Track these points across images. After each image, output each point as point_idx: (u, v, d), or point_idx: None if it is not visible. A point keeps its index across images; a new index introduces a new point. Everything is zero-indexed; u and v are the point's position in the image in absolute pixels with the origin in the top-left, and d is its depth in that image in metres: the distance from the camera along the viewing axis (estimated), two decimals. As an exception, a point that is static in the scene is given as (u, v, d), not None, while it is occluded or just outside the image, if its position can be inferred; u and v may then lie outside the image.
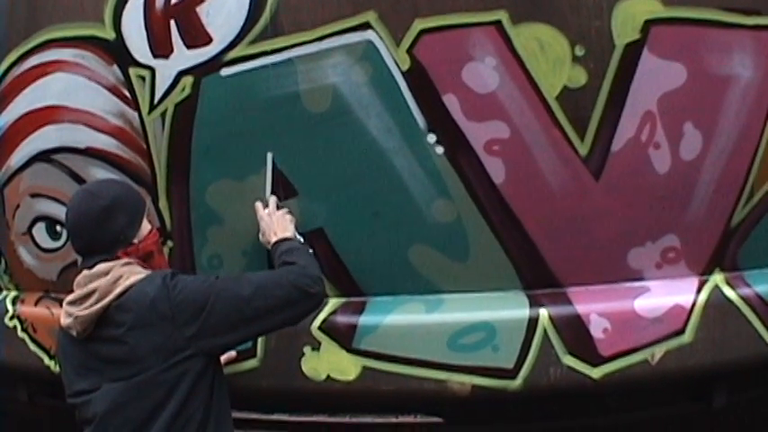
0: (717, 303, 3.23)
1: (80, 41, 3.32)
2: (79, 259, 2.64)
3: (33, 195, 3.52)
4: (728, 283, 3.27)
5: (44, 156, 3.44)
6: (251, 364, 3.16)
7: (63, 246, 3.50)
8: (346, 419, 3.31)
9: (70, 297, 2.57)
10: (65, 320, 2.57)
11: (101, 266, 2.54)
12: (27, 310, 3.66)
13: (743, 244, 3.30)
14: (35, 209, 3.53)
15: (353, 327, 3.11)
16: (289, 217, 3.00)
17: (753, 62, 3.18)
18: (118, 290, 2.49)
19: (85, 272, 2.57)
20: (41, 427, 4.14)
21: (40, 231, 3.55)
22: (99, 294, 2.49)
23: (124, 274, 2.52)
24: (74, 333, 2.53)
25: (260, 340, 3.15)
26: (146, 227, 2.67)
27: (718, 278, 3.27)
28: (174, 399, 2.46)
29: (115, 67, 3.26)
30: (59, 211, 3.48)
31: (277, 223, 2.95)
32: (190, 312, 2.47)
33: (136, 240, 2.61)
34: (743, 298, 3.26)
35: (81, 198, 2.60)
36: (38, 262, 3.61)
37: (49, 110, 3.41)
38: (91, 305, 2.50)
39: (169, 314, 2.46)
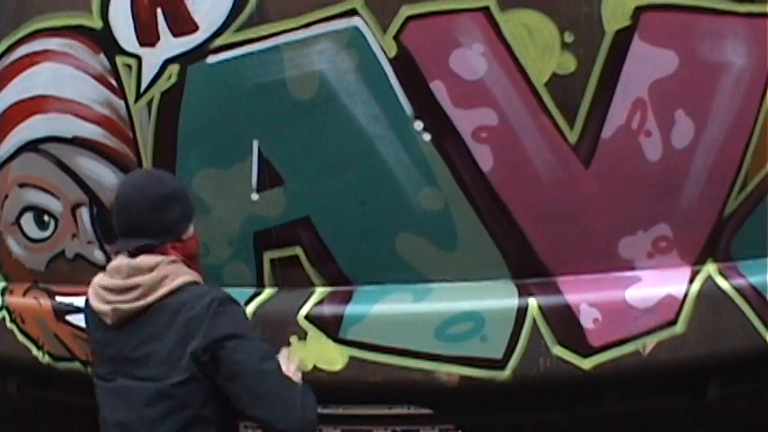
0: (710, 294, 3.19)
1: (67, 31, 3.31)
2: (118, 242, 2.50)
3: (21, 185, 3.51)
4: (721, 274, 3.23)
5: (32, 146, 3.43)
6: (237, 354, 3.13)
7: (51, 236, 3.49)
8: (339, 411, 3.30)
9: (107, 282, 2.46)
10: (99, 305, 2.46)
11: (146, 260, 2.42)
12: (15, 300, 3.65)
13: (736, 234, 3.26)
14: (23, 199, 3.52)
15: (340, 316, 3.09)
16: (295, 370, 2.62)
17: (745, 50, 3.14)
18: (163, 290, 2.39)
19: (128, 260, 2.44)
20: (34, 420, 4.13)
21: (28, 221, 3.54)
22: (143, 290, 2.40)
23: (170, 273, 2.41)
24: (107, 321, 2.43)
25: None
26: (191, 229, 2.56)
27: (710, 268, 3.23)
28: (181, 415, 2.34)
29: (102, 56, 3.24)
30: (47, 201, 3.47)
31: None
32: (225, 348, 2.32)
33: (184, 237, 2.51)
34: (736, 288, 3.22)
35: (144, 180, 2.52)
36: (26, 252, 3.59)
37: (37, 100, 3.40)
38: (134, 300, 2.40)
39: (198, 334, 2.32)
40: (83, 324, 3.39)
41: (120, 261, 2.45)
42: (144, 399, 2.35)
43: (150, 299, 2.39)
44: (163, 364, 2.34)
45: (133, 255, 2.44)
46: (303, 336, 3.11)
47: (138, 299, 2.39)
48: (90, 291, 2.52)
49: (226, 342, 2.31)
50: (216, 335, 2.31)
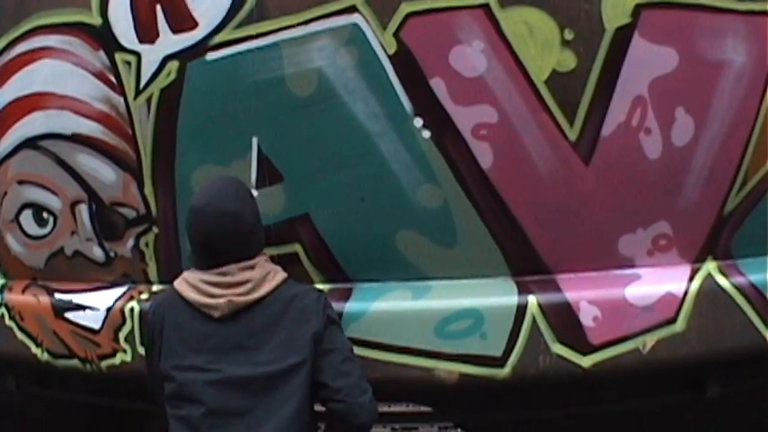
0: (709, 292, 3.19)
1: (67, 28, 3.31)
2: (215, 264, 2.72)
3: (20, 182, 3.51)
4: (722, 272, 3.23)
5: (31, 143, 3.42)
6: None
7: (50, 233, 3.49)
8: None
9: (215, 279, 2.69)
10: (204, 299, 2.68)
11: (248, 262, 2.72)
12: (14, 298, 3.64)
13: (736, 232, 3.25)
14: (22, 196, 3.51)
15: (339, 314, 3.07)
16: None
17: (745, 48, 3.14)
18: (271, 285, 2.70)
19: (234, 265, 2.71)
20: (33, 417, 4.12)
21: (27, 218, 3.54)
22: (254, 284, 2.68)
23: (271, 271, 2.75)
24: (214, 314, 2.66)
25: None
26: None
27: (710, 266, 3.22)
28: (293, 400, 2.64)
29: (101, 52, 3.24)
30: (46, 198, 3.47)
31: None
32: (328, 329, 2.72)
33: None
34: (736, 287, 3.22)
35: (223, 221, 2.68)
36: (25, 249, 3.59)
37: (36, 97, 3.40)
38: (247, 292, 2.67)
39: (313, 319, 2.69)
40: (82, 321, 3.43)
41: (223, 267, 2.70)
42: (263, 383, 2.60)
43: (263, 291, 2.69)
44: (280, 347, 2.63)
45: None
46: (302, 333, 3.10)
47: (250, 292, 2.67)
48: (182, 286, 2.73)
49: (331, 325, 2.71)
50: (328, 318, 2.71)
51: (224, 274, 2.70)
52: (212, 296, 2.68)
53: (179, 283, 2.76)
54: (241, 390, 2.62)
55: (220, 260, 2.70)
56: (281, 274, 2.76)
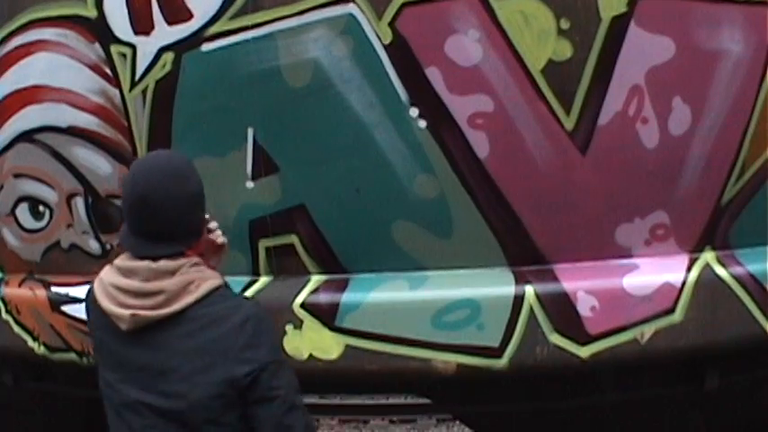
0: (708, 282, 3.18)
1: (62, 20, 3.30)
2: (136, 244, 2.15)
3: (16, 176, 3.50)
4: (720, 262, 3.21)
5: (27, 136, 3.42)
6: (232, 342, 3.11)
7: (46, 226, 3.48)
8: (336, 401, 3.29)
9: (122, 282, 2.15)
10: (113, 308, 2.15)
11: (167, 264, 2.12)
12: (11, 291, 3.63)
13: (734, 222, 3.24)
14: (18, 189, 3.50)
15: (336, 305, 3.08)
16: None
17: (742, 37, 3.13)
18: (189, 299, 2.11)
19: (146, 262, 2.13)
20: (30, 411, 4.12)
21: (23, 212, 3.53)
22: (167, 296, 2.11)
23: (195, 279, 2.13)
24: (122, 326, 2.13)
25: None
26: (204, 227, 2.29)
27: (708, 256, 3.21)
28: None
29: (97, 45, 3.23)
30: (42, 191, 3.46)
31: None
32: (263, 373, 2.08)
33: (202, 237, 2.24)
34: (735, 277, 3.20)
35: (168, 179, 2.13)
36: (21, 243, 3.58)
37: (32, 90, 3.39)
38: (157, 306, 2.11)
39: (228, 359, 2.07)
40: (78, 315, 3.41)
41: (137, 262, 2.15)
42: (176, 419, 2.10)
43: (175, 307, 2.11)
44: (186, 380, 2.08)
45: (155, 260, 2.14)
46: (299, 324, 3.10)
47: (161, 306, 2.11)
48: (97, 287, 2.21)
49: (269, 366, 2.08)
50: (260, 361, 2.07)
51: (133, 274, 2.13)
52: (119, 305, 2.14)
53: (97, 279, 2.24)
54: (142, 418, 2.13)
55: (152, 239, 2.13)
56: (207, 285, 2.14)
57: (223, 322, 2.09)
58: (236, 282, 3.12)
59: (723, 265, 3.21)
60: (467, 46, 2.97)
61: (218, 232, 2.33)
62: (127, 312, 2.12)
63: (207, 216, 2.28)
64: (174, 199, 2.12)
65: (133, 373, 2.14)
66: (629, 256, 3.14)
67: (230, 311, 2.11)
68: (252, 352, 2.07)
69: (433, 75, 2.97)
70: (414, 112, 3.00)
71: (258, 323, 2.12)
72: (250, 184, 3.08)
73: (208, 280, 2.16)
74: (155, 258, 2.13)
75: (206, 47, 3.06)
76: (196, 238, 2.20)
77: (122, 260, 2.19)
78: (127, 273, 2.15)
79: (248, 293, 3.15)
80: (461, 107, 2.98)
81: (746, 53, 3.13)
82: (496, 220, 3.06)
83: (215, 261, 2.30)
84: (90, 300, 2.25)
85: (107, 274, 2.21)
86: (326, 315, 3.09)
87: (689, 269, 3.17)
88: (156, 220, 2.12)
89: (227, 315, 2.10)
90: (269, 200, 3.09)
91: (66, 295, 3.45)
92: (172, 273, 2.13)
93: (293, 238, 3.13)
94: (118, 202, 3.30)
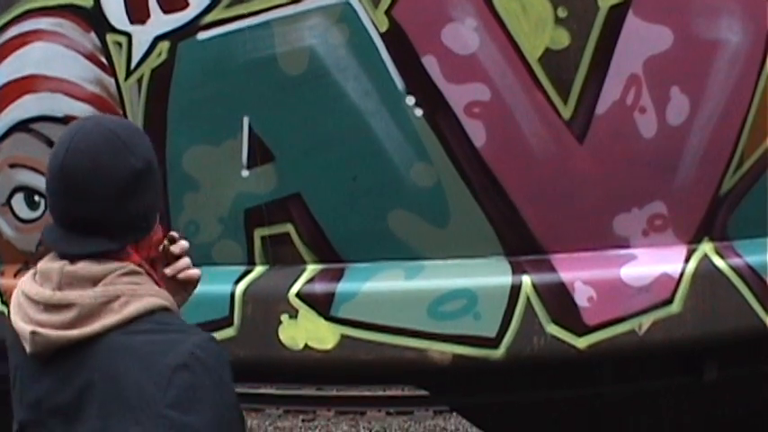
0: (706, 273, 3.15)
1: (58, 10, 3.29)
2: (57, 237, 1.59)
3: (12, 166, 3.48)
4: (718, 253, 3.19)
5: (23, 126, 3.40)
6: (227, 332, 3.10)
7: (41, 216, 3.47)
8: (333, 392, 3.27)
9: (33, 291, 1.58)
10: (19, 322, 1.57)
11: (89, 267, 1.54)
12: (6, 282, 3.61)
13: (733, 212, 3.22)
14: (14, 179, 3.49)
15: (331, 294, 3.06)
16: None
17: (741, 27, 3.11)
18: (110, 320, 1.52)
19: (62, 262, 1.56)
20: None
21: (18, 202, 3.52)
22: (80, 313, 1.52)
23: (123, 294, 1.54)
24: (26, 347, 1.55)
25: (236, 308, 3.10)
26: (156, 218, 1.69)
27: (707, 247, 3.19)
28: None
29: (92, 34, 3.22)
30: (38, 181, 3.45)
31: None
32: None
33: (152, 232, 1.65)
34: (733, 268, 3.18)
35: (101, 148, 1.55)
36: (17, 233, 3.57)
37: (28, 79, 3.38)
38: (65, 325, 1.52)
39: (150, 410, 1.47)
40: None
41: (52, 262, 1.58)
42: None
43: (88, 330, 1.51)
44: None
45: (73, 261, 1.55)
46: (294, 314, 3.09)
47: (71, 325, 1.51)
48: (13, 297, 1.66)
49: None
50: (187, 429, 1.45)
51: (46, 279, 1.56)
52: (25, 319, 1.56)
53: (14, 293, 1.67)
54: None
55: (64, 234, 1.57)
56: (139, 304, 1.54)
57: (152, 362, 1.48)
58: (232, 271, 3.12)
59: (721, 256, 3.19)
60: (464, 34, 2.95)
61: (187, 261, 1.74)
62: (28, 329, 1.53)
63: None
64: (106, 175, 1.54)
65: (46, 414, 1.54)
66: (627, 246, 3.12)
67: (164, 347, 1.49)
68: (179, 413, 1.44)
69: (430, 63, 2.95)
70: (410, 100, 2.98)
71: (201, 373, 1.47)
72: (245, 173, 3.06)
73: (142, 298, 1.55)
74: (75, 258, 1.55)
75: (202, 35, 3.05)
76: (140, 235, 1.60)
77: (45, 262, 1.61)
78: (42, 277, 1.58)
79: (243, 283, 3.13)
80: (458, 96, 2.97)
81: (745, 43, 3.11)
82: (493, 210, 3.04)
83: (180, 298, 1.72)
84: (7, 315, 1.65)
85: (24, 281, 1.64)
86: (322, 304, 3.07)
87: (687, 260, 3.15)
88: (82, 203, 1.55)
89: (158, 352, 1.48)
90: (264, 189, 3.07)
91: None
92: (92, 281, 1.54)
93: (289, 227, 3.11)
94: (113, 191, 3.29)
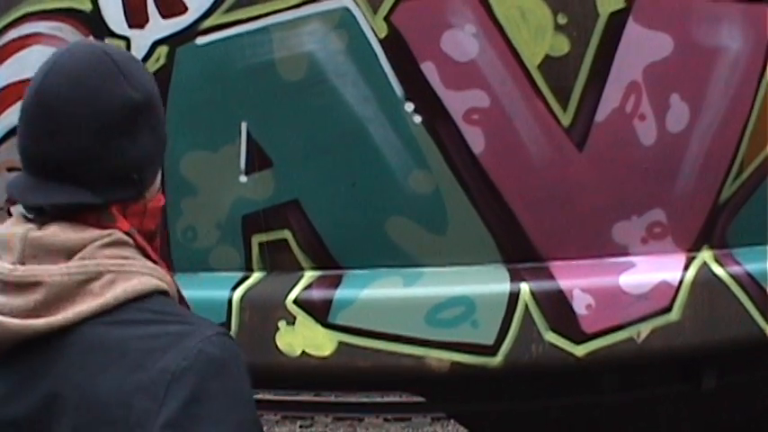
0: (705, 281, 3.15)
1: (57, 14, 3.28)
2: (21, 183, 1.24)
3: (10, 169, 3.48)
4: (717, 261, 3.19)
5: (20, 130, 3.40)
6: (225, 338, 3.09)
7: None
8: (331, 399, 3.26)
9: None
10: None
11: (64, 234, 1.17)
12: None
13: (732, 220, 3.21)
14: (11, 184, 3.48)
15: (329, 301, 3.05)
16: None
17: (742, 34, 3.10)
18: (87, 306, 1.14)
19: (27, 226, 1.19)
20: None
21: (16, 207, 3.51)
22: (46, 295, 1.14)
23: (106, 271, 1.16)
24: None
25: (234, 314, 3.09)
26: (158, 180, 1.33)
27: (706, 255, 3.18)
28: None
29: (91, 38, 3.21)
30: (35, 186, 3.44)
31: None
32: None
33: (147, 194, 1.27)
34: (732, 276, 3.17)
35: (88, 71, 1.20)
36: (14, 238, 3.56)
37: (26, 83, 3.34)
38: (29, 311, 1.14)
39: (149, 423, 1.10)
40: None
41: (15, 226, 1.20)
42: None
43: (59, 318, 1.14)
44: None
45: (44, 218, 1.19)
46: (292, 320, 3.07)
47: (35, 311, 1.14)
48: None
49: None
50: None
51: (5, 247, 1.18)
52: None
53: None
54: None
55: (33, 182, 1.21)
56: (129, 285, 1.17)
57: (144, 364, 1.10)
58: (229, 277, 3.10)
59: (721, 264, 3.18)
60: (463, 41, 2.95)
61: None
62: (10, 321, 1.14)
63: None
64: (92, 102, 1.18)
65: (4, 428, 1.17)
66: (626, 254, 3.11)
67: (162, 344, 1.11)
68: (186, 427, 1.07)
69: (429, 70, 2.95)
70: (409, 107, 2.98)
71: (212, 379, 1.10)
72: (243, 179, 3.05)
73: (132, 277, 1.17)
74: (44, 221, 1.18)
75: (200, 40, 3.04)
76: (130, 192, 1.22)
77: (5, 226, 1.24)
78: (1, 247, 1.19)
79: (241, 289, 3.11)
80: (457, 102, 2.96)
81: (745, 50, 3.10)
82: (492, 217, 3.03)
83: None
84: None
85: None
86: (320, 311, 3.06)
87: (686, 268, 3.14)
88: (58, 138, 1.18)
89: (153, 350, 1.11)
90: (262, 195, 3.06)
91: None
92: (66, 252, 1.16)
93: (287, 234, 3.10)
94: (111, 196, 3.28)
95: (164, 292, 1.21)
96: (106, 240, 1.19)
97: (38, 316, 1.14)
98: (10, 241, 1.17)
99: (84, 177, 1.20)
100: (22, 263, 1.16)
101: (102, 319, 1.14)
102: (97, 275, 1.16)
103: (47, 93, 1.22)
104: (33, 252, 1.16)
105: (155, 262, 1.23)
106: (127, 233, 1.22)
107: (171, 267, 3.16)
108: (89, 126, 1.19)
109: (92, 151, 1.19)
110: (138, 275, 1.18)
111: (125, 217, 1.23)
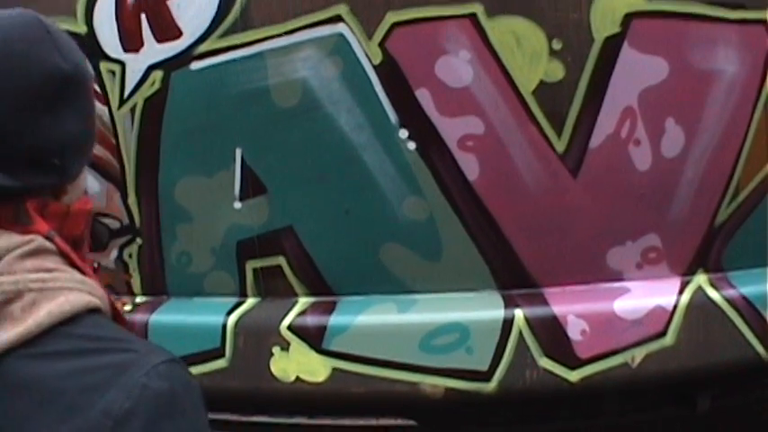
0: (700, 305, 3.14)
1: (52, 36, 3.28)
2: None
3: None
4: (712, 285, 3.18)
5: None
6: (219, 364, 3.10)
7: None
8: (326, 422, 3.26)
9: None
10: None
11: None
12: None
13: (727, 244, 3.21)
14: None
15: (323, 327, 3.05)
16: None
17: (737, 57, 3.09)
18: (7, 335, 0.94)
19: None
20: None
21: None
22: None
23: (27, 288, 0.97)
24: None
25: (228, 340, 3.10)
26: (83, 176, 1.15)
27: (701, 279, 3.18)
28: None
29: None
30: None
31: None
32: None
33: (69, 187, 1.10)
34: (727, 300, 3.17)
35: (27, 36, 1.07)
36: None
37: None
38: None
39: None
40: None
41: None
42: None
43: None
44: None
45: None
46: (286, 346, 3.08)
47: None
48: None
49: None
50: None
51: None
52: None
53: None
54: None
55: None
56: (51, 307, 0.96)
57: (79, 406, 0.91)
58: (224, 303, 3.11)
59: (716, 287, 3.18)
60: (457, 67, 2.94)
61: None
62: None
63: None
64: (16, 68, 1.03)
65: None
66: (621, 279, 3.11)
67: (99, 379, 0.93)
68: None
69: (423, 96, 2.94)
70: (403, 133, 2.97)
71: (161, 419, 0.93)
72: (238, 205, 3.05)
73: (59, 294, 0.97)
74: None
75: (195, 65, 3.04)
76: (47, 180, 1.06)
77: None
78: None
79: (235, 315, 3.12)
80: (451, 129, 2.95)
81: (741, 73, 3.09)
82: (486, 244, 3.03)
83: None
84: None
85: None
86: (314, 337, 3.06)
87: (681, 292, 3.14)
88: None
89: (89, 388, 0.92)
90: (257, 221, 3.06)
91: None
92: None
93: (281, 260, 3.10)
94: (105, 220, 3.28)
95: (95, 310, 0.99)
96: (26, 249, 0.97)
97: None
98: None
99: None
100: None
101: (23, 351, 0.92)
102: (16, 295, 0.94)
103: None
104: None
105: (81, 271, 1.03)
106: (46, 236, 1.02)
107: (166, 292, 3.19)
108: (9, 95, 1.02)
109: (9, 126, 1.01)
110: (65, 292, 0.96)
111: (43, 218, 1.03)
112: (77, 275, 1.02)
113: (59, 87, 1.07)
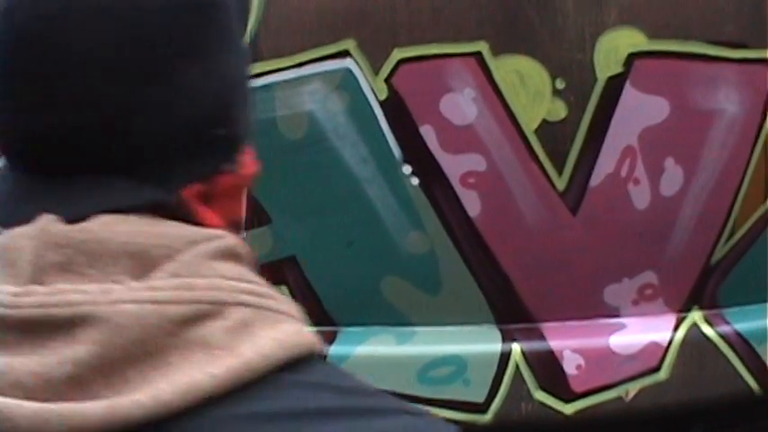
0: (694, 341, 3.20)
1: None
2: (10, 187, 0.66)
3: None
4: (707, 321, 3.23)
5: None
6: (220, 390, 3.14)
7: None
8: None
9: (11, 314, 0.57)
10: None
11: (126, 224, 0.61)
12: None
13: (723, 281, 3.26)
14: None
15: (324, 357, 3.09)
16: None
17: (738, 96, 3.13)
18: (208, 374, 0.55)
19: (51, 223, 0.60)
20: None
21: None
22: (105, 346, 0.55)
23: (232, 301, 0.61)
24: None
25: (230, 366, 3.14)
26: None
27: (696, 315, 3.23)
28: None
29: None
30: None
31: None
32: None
33: (238, 158, 0.73)
34: (721, 336, 3.22)
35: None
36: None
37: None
38: (67, 385, 0.54)
39: None
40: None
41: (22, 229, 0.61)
42: None
43: (140, 400, 0.54)
44: None
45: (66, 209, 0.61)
46: (286, 374, 3.12)
47: (77, 386, 0.55)
48: None
49: None
50: None
51: (5, 261, 0.58)
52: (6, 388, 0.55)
53: None
54: None
55: (26, 176, 0.63)
56: (275, 335, 0.61)
57: None
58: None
59: (710, 324, 3.23)
60: (462, 105, 2.98)
61: None
62: (30, 408, 0.54)
63: None
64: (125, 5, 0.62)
65: None
66: (617, 315, 3.16)
67: None
68: None
69: (427, 133, 2.99)
70: (407, 168, 3.02)
71: None
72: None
73: (282, 321, 0.65)
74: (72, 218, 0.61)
75: (204, 95, 3.08)
76: (227, 154, 0.74)
77: None
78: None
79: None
80: (454, 166, 3.00)
81: (742, 111, 3.13)
82: (485, 278, 3.08)
83: None
84: None
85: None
86: (314, 366, 3.11)
87: (676, 328, 3.19)
88: (70, 92, 0.61)
89: None
90: (260, 250, 3.10)
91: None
92: (138, 259, 0.61)
93: (283, 289, 3.14)
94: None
95: (317, 356, 0.67)
96: (214, 246, 0.64)
97: (83, 396, 0.56)
98: (10, 249, 0.60)
99: (130, 156, 0.64)
100: (40, 282, 0.58)
101: (233, 408, 0.57)
102: (216, 309, 0.60)
103: (31, 16, 0.62)
104: (62, 259, 0.59)
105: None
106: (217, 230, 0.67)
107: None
108: (128, 50, 0.62)
109: (139, 98, 0.63)
110: (289, 320, 0.65)
111: (207, 204, 0.68)
112: (283, 296, 0.68)
113: (201, 12, 0.65)
